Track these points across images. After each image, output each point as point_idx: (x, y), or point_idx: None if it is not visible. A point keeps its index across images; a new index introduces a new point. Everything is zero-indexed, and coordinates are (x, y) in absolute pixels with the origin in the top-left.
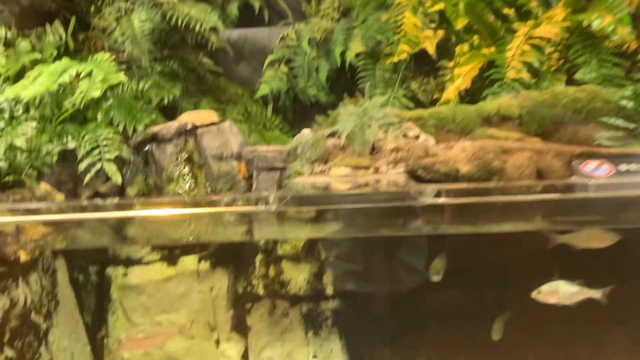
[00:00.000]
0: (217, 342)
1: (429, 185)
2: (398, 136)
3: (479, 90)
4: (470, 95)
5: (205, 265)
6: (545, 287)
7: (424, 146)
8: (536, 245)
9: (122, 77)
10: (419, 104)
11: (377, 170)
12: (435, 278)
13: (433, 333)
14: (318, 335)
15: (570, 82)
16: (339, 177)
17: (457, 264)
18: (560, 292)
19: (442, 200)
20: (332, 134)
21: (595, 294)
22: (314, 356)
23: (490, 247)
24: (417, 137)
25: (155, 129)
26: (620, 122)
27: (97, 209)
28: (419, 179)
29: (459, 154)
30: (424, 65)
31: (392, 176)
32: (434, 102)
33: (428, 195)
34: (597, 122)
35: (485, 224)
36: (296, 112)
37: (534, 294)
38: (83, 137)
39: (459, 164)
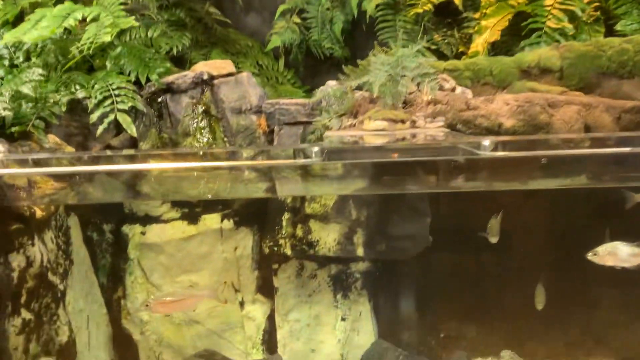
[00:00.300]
0: (242, 304)
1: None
2: (434, 88)
3: (508, 44)
4: (498, 49)
5: (228, 223)
6: (602, 249)
7: (464, 99)
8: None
9: (132, 21)
10: (442, 57)
11: (414, 124)
12: (493, 240)
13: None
14: (347, 298)
15: (608, 34)
16: (373, 132)
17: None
18: (618, 253)
19: (518, 153)
20: (360, 86)
21: None
22: (343, 319)
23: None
24: (453, 89)
25: (169, 78)
26: None
27: (112, 160)
28: (458, 134)
29: (502, 107)
30: (446, 16)
31: (431, 131)
32: (458, 56)
33: (487, 147)
34: None
35: (550, 179)
36: (308, 66)
37: (590, 256)
38: (93, 86)
39: (501, 118)
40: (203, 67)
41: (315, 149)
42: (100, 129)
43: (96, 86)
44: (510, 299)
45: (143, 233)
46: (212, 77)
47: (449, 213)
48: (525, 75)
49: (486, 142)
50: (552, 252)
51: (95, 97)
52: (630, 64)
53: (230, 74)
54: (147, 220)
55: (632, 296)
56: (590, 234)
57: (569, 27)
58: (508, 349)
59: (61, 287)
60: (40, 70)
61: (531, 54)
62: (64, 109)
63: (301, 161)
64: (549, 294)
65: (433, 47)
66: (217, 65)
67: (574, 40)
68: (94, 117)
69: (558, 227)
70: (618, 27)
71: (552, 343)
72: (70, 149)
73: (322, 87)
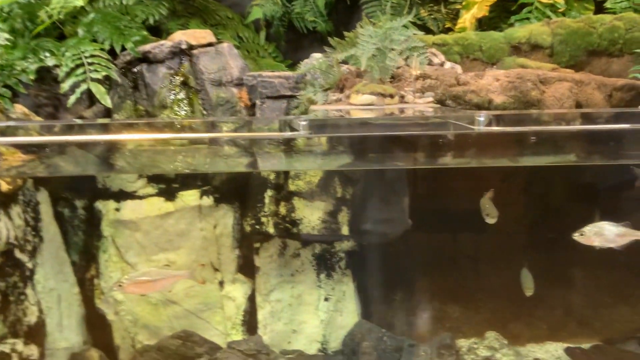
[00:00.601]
0: (221, 283)
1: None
2: (423, 62)
3: (495, 20)
4: (485, 25)
5: (208, 200)
6: (588, 229)
7: (454, 74)
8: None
9: None
10: (428, 32)
11: (402, 99)
12: (491, 220)
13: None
14: (331, 278)
15: (598, 11)
16: (360, 106)
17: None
18: (604, 234)
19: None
20: (347, 59)
21: None
22: (326, 299)
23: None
24: (442, 64)
25: (146, 47)
26: None
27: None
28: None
29: (492, 82)
30: None
31: (420, 106)
32: (445, 32)
33: (482, 121)
34: (632, 55)
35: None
36: (290, 40)
37: (576, 236)
38: (64, 54)
39: (492, 94)
40: (181, 36)
41: (303, 122)
42: (72, 99)
43: (67, 54)
44: (495, 280)
45: (117, 209)
46: (191, 47)
47: (436, 191)
48: (515, 51)
49: (482, 115)
50: (537, 233)
51: (67, 66)
52: (620, 42)
53: (210, 44)
54: (122, 196)
55: (615, 278)
56: (577, 214)
57: (560, 2)
58: (492, 330)
59: (30, 265)
60: (6, 36)
61: (522, 30)
62: (32, 77)
63: (288, 134)
64: (533, 276)
65: (419, 22)
66: (196, 35)
67: (563, 16)
68: (64, 86)
69: (544, 207)
70: (608, 4)
71: (536, 324)
72: (39, 120)
73: (306, 60)
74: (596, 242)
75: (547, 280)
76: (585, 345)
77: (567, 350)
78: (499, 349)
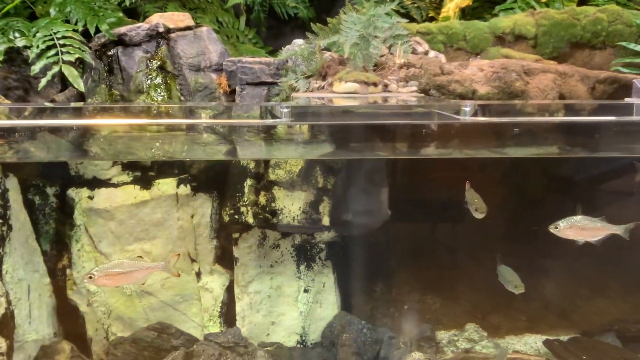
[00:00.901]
0: (198, 274)
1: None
2: (407, 51)
3: (479, 10)
4: (468, 15)
5: (185, 189)
6: (564, 222)
7: (439, 63)
8: None
9: None
10: (411, 21)
11: (386, 87)
12: (480, 215)
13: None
14: (310, 269)
15: (581, 3)
16: (343, 94)
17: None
18: (580, 227)
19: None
20: (329, 46)
21: (618, 230)
22: (305, 290)
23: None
24: (426, 52)
25: (122, 29)
26: (639, 47)
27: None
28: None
29: (476, 73)
30: None
31: (403, 95)
32: (428, 21)
33: (468, 111)
34: (614, 47)
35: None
36: (271, 27)
37: (552, 229)
38: (35, 35)
39: (476, 84)
40: (159, 19)
41: (285, 109)
42: (43, 81)
43: (38, 34)
44: (474, 272)
45: (91, 197)
46: (168, 30)
47: (418, 182)
48: (499, 42)
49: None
50: (516, 225)
51: (38, 47)
52: (603, 35)
53: (188, 28)
54: (96, 183)
55: (593, 271)
56: (556, 206)
57: None
58: (472, 322)
59: None
60: None
61: (506, 20)
62: (0, 58)
63: (270, 121)
64: (514, 269)
65: (402, 10)
66: (174, 18)
67: (547, 7)
68: (35, 68)
69: (523, 198)
70: None
71: (515, 317)
72: (7, 103)
73: (288, 46)
74: (571, 236)
75: (526, 272)
76: (564, 338)
77: (546, 343)
78: (478, 341)
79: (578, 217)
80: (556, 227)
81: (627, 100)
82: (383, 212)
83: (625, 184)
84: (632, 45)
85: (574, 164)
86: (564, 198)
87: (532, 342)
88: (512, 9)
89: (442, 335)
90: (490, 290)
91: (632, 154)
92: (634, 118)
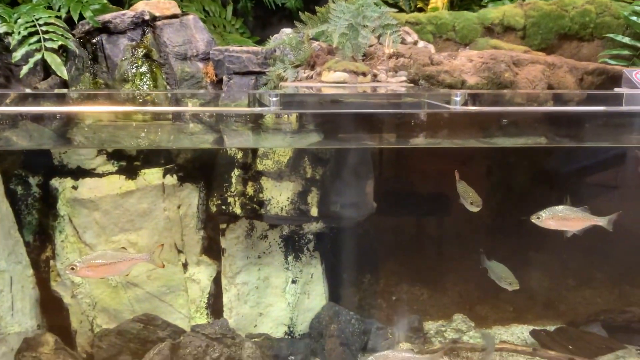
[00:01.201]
0: (185, 265)
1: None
2: (396, 41)
3: (467, 1)
4: (457, 7)
5: (171, 179)
6: (545, 213)
7: (428, 53)
8: None
9: None
10: (400, 12)
11: (375, 77)
12: (474, 208)
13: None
14: (299, 260)
15: None
16: (332, 84)
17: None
18: (561, 217)
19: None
20: (317, 36)
21: (600, 220)
22: (293, 281)
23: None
24: (415, 42)
25: (106, 16)
26: (627, 39)
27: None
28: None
29: (466, 63)
30: None
31: (392, 85)
32: (417, 11)
33: (458, 100)
34: (602, 39)
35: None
36: (258, 17)
37: (534, 219)
38: (16, 21)
39: (465, 75)
40: (144, 6)
41: (274, 97)
42: (25, 69)
43: (20, 20)
44: (462, 263)
45: (75, 187)
46: (154, 18)
47: (406, 173)
48: (488, 33)
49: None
50: (504, 216)
51: (19, 33)
52: (591, 26)
53: (174, 16)
54: (80, 173)
55: (579, 262)
56: (544, 197)
57: None
58: (459, 313)
59: None
60: None
61: (495, 11)
62: None
63: (258, 109)
64: (500, 260)
65: (390, 1)
66: (160, 6)
67: None
68: (17, 55)
69: (511, 188)
70: None
71: (502, 307)
72: None
73: (276, 35)
74: (552, 226)
75: (513, 263)
76: (550, 328)
77: (533, 333)
78: (466, 331)
79: (560, 207)
80: (538, 218)
81: (617, 90)
82: (371, 203)
83: (616, 174)
84: (619, 37)
85: (564, 155)
86: (552, 188)
87: (519, 333)
88: (501, 0)
89: (430, 326)
90: (477, 281)
91: (622, 144)
92: (623, 108)
